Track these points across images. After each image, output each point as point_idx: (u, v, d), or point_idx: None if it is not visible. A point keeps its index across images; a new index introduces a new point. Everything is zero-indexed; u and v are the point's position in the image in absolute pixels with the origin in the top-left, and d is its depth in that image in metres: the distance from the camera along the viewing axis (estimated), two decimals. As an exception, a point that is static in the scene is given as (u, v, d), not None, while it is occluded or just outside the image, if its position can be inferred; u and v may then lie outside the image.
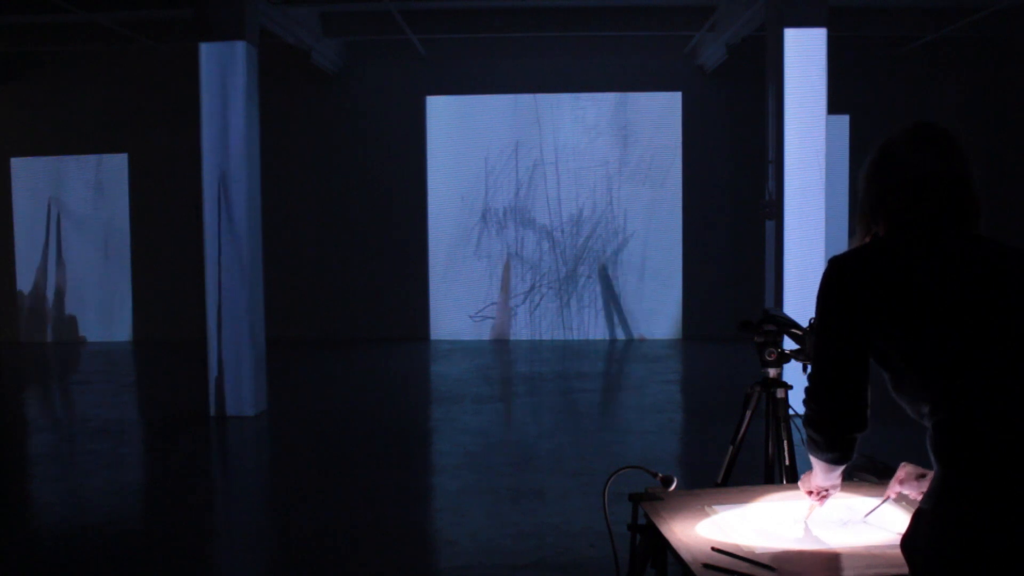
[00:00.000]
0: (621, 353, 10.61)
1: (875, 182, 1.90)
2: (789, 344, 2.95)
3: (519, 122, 11.48)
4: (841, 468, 2.01)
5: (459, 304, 11.61)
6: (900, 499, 2.21)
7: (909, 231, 1.83)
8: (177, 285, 11.23)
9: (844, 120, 10.76)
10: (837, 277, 1.86)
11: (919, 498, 1.96)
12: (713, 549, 1.96)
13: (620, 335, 11.52)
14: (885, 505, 2.19)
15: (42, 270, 11.95)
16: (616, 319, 11.49)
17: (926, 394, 1.75)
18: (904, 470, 2.13)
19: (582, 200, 11.52)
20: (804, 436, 1.99)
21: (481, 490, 5.36)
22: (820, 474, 2.06)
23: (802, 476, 2.19)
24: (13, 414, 7.93)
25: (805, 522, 2.15)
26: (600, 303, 11.55)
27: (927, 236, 1.81)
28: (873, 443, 1.94)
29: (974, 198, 1.84)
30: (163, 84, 11.37)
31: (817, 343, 1.89)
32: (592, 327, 11.57)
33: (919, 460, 2.03)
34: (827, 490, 2.13)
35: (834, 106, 7.63)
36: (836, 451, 1.93)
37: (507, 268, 11.50)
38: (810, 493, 2.16)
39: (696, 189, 11.40)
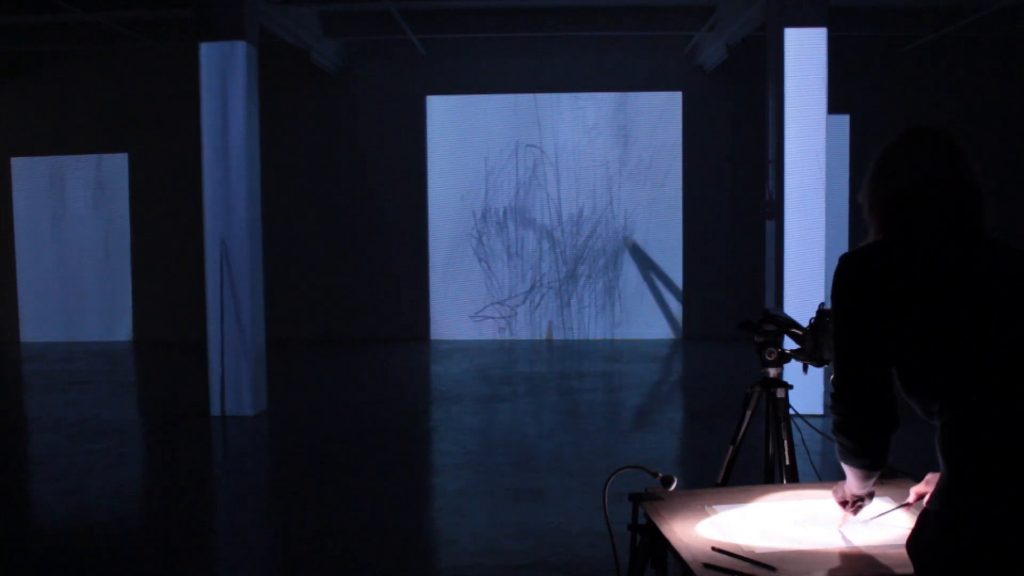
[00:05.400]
0: (621, 353, 10.60)
1: (877, 188, 1.90)
2: (789, 344, 2.94)
3: (519, 122, 11.48)
4: (876, 475, 1.95)
5: (459, 304, 11.62)
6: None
7: (914, 233, 1.83)
8: (177, 285, 11.23)
9: (844, 120, 10.75)
10: (846, 275, 1.85)
11: None
12: (713, 549, 1.96)
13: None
14: (887, 505, 2.18)
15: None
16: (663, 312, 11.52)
17: (935, 394, 1.74)
18: (932, 481, 2.05)
19: (582, 200, 11.52)
20: (821, 444, 1.96)
21: (481, 490, 5.36)
22: (854, 482, 2.00)
23: (834, 487, 2.13)
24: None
25: (840, 531, 2.09)
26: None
27: (932, 238, 1.81)
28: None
29: (977, 199, 1.83)
30: (163, 84, 11.37)
31: (835, 344, 1.87)
32: (592, 327, 11.57)
33: (919, 460, 2.03)
34: (861, 499, 2.06)
35: (834, 106, 7.63)
36: (868, 456, 1.89)
37: None
38: (844, 504, 2.09)
39: (696, 189, 11.39)
